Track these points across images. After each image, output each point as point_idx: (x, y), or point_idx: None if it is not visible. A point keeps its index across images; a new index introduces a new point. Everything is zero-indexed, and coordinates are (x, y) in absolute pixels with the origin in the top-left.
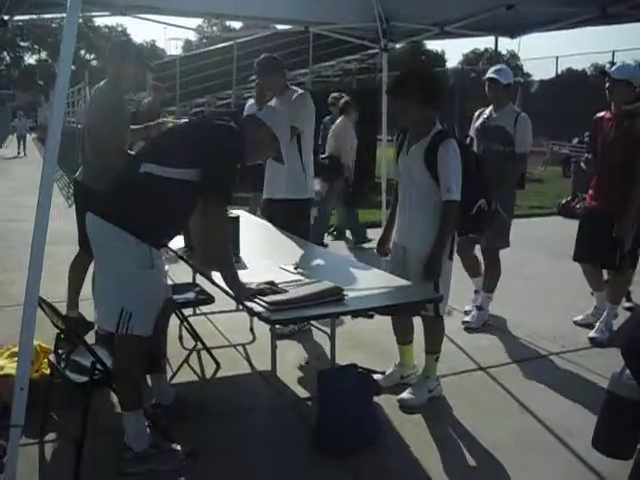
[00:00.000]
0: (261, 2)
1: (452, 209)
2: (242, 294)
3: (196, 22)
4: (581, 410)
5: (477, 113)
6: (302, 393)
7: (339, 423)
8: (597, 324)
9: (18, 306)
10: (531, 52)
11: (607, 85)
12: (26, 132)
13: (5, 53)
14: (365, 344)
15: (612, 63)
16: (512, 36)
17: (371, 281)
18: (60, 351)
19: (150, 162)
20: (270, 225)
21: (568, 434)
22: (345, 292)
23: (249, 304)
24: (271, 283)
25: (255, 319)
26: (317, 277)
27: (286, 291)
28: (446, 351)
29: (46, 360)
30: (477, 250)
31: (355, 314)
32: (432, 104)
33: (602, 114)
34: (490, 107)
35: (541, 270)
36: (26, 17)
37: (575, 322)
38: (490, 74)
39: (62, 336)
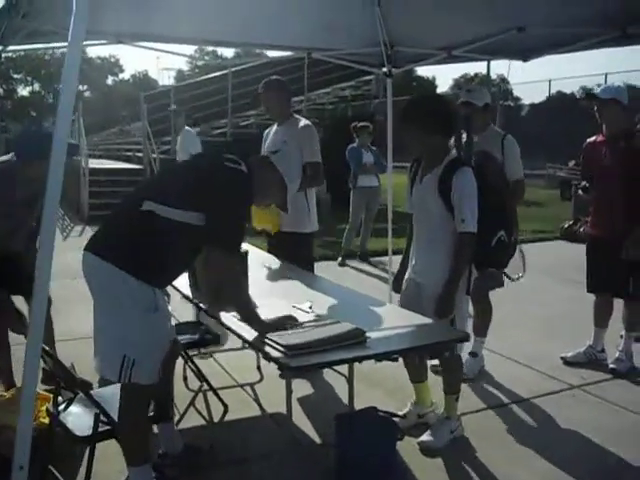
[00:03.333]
0: (261, 28)
1: (467, 241)
2: (264, 331)
3: (189, 50)
4: (610, 448)
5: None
6: (317, 438)
7: (359, 472)
8: (616, 353)
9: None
10: (523, 76)
11: (596, 107)
12: None
13: None
14: (381, 381)
15: (598, 86)
16: (524, 59)
17: (392, 320)
18: (59, 399)
19: (152, 200)
20: (278, 260)
21: (597, 476)
22: (367, 333)
23: (266, 348)
24: (290, 317)
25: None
26: (334, 316)
27: (304, 331)
28: (466, 387)
29: (44, 408)
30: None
31: (380, 358)
32: (442, 132)
33: (593, 138)
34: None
35: (553, 297)
36: (20, 47)
37: (564, 359)
38: (463, 98)
39: (61, 384)
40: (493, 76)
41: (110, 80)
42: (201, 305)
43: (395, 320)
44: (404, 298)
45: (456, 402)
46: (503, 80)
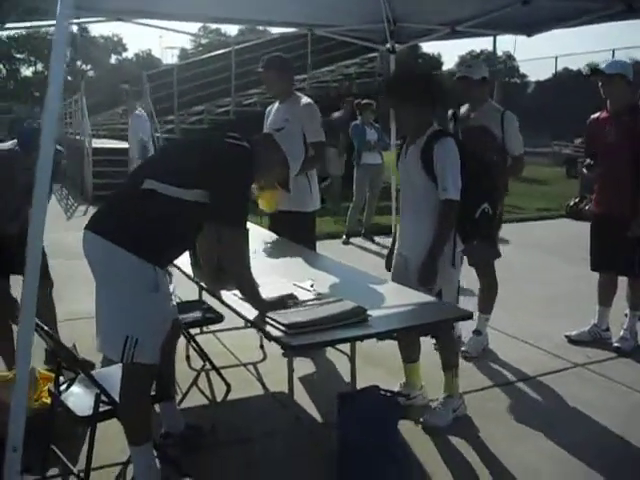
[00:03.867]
0: (264, 5)
1: (449, 209)
2: (265, 310)
3: (194, 27)
4: (615, 427)
5: (450, 113)
6: (320, 417)
7: (361, 451)
8: (621, 332)
9: None
10: (529, 53)
11: (600, 83)
12: None
13: (1, 65)
14: (382, 360)
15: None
16: (529, 34)
17: (393, 298)
18: (61, 379)
19: (154, 179)
20: (279, 238)
21: (605, 455)
22: (368, 312)
23: (267, 327)
24: (291, 296)
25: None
26: (335, 295)
27: (305, 309)
28: (468, 366)
29: (47, 388)
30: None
31: (381, 337)
32: (428, 104)
33: (597, 115)
34: (465, 106)
35: (556, 275)
36: (17, 25)
37: (568, 337)
38: (459, 73)
39: (62, 364)
40: (499, 53)
41: (114, 59)
42: (202, 284)
43: (397, 298)
44: (394, 273)
45: (456, 378)
46: (509, 57)
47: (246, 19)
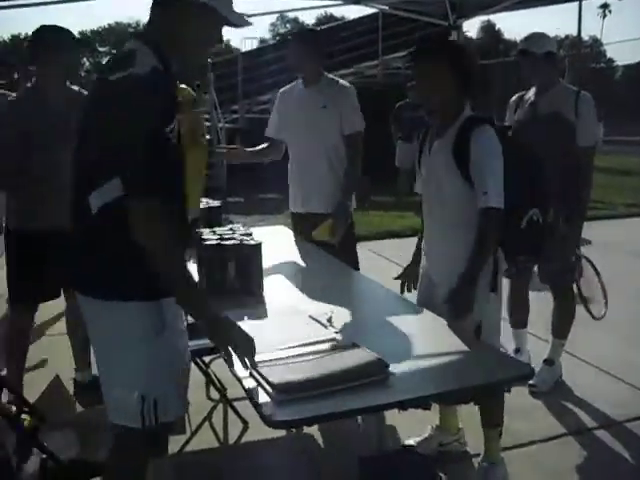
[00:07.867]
0: None
1: (491, 220)
2: (220, 338)
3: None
4: None
5: (514, 99)
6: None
7: None
8: None
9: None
10: (616, 37)
11: None
12: None
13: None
14: None
15: None
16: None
17: (431, 339)
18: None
19: (93, 188)
20: (311, 249)
21: None
22: (391, 367)
23: (248, 383)
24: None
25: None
26: (356, 333)
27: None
28: (536, 405)
29: None
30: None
31: (404, 406)
32: (461, 78)
33: None
34: (532, 90)
35: None
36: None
37: None
38: (519, 47)
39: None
40: (584, 37)
41: None
42: None
43: (435, 340)
44: (420, 296)
45: (499, 438)
46: (595, 41)
47: None
